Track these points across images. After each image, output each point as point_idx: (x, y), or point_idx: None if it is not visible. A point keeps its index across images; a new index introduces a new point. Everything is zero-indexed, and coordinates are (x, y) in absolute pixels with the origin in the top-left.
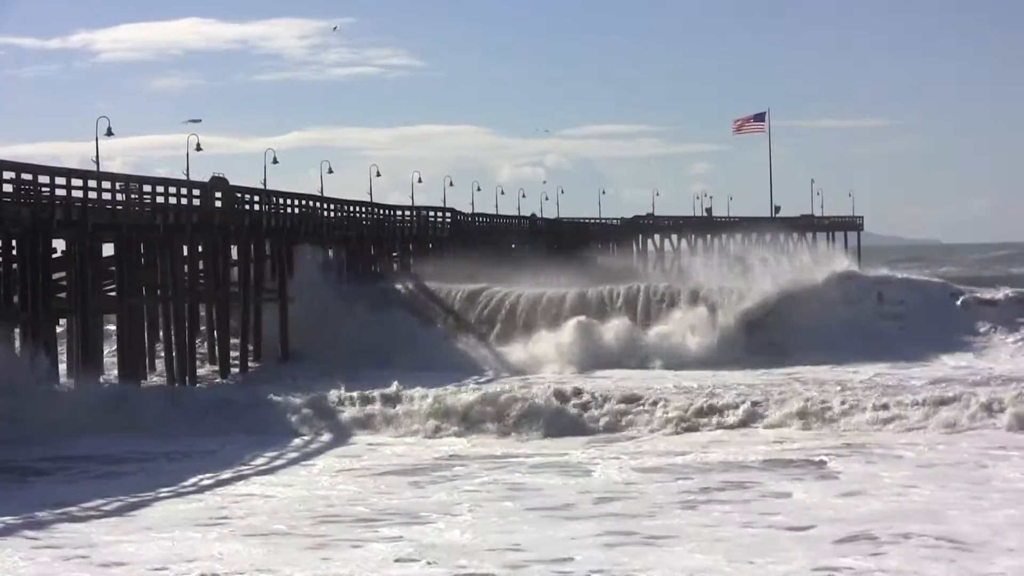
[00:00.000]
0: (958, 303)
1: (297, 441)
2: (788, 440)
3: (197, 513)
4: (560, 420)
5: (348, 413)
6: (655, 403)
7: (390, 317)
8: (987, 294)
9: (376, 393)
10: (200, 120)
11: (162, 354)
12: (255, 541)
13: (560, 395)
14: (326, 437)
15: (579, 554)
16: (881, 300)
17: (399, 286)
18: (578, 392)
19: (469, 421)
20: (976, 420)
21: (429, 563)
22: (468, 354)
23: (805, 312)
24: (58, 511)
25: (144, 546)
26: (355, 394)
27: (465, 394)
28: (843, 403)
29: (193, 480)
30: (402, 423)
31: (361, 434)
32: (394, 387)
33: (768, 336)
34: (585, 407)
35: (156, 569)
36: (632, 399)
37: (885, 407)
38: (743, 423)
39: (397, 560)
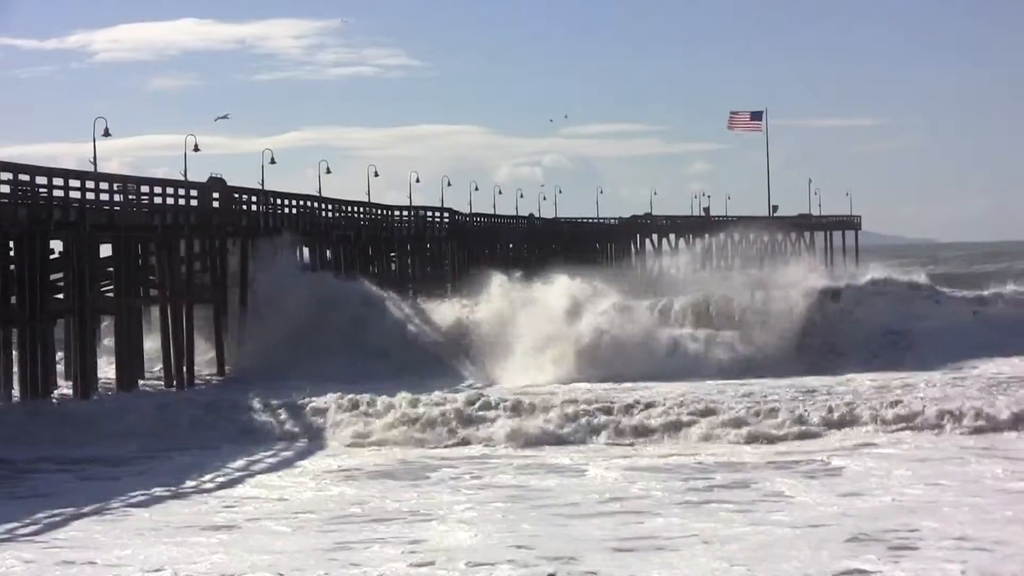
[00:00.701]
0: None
1: (281, 444)
2: (777, 442)
3: (197, 515)
4: (534, 426)
5: (325, 417)
6: (634, 409)
7: (368, 320)
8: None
9: (346, 399)
10: (228, 116)
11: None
12: (260, 543)
13: (531, 402)
14: (308, 441)
15: (587, 555)
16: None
17: (381, 290)
18: (550, 398)
19: (441, 427)
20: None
21: (440, 566)
22: (447, 361)
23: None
24: (57, 512)
25: (145, 549)
26: (332, 399)
27: (437, 400)
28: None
29: (192, 482)
30: (378, 429)
31: (339, 438)
32: (368, 395)
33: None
34: (557, 414)
35: (157, 571)
36: (608, 405)
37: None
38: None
39: (411, 565)
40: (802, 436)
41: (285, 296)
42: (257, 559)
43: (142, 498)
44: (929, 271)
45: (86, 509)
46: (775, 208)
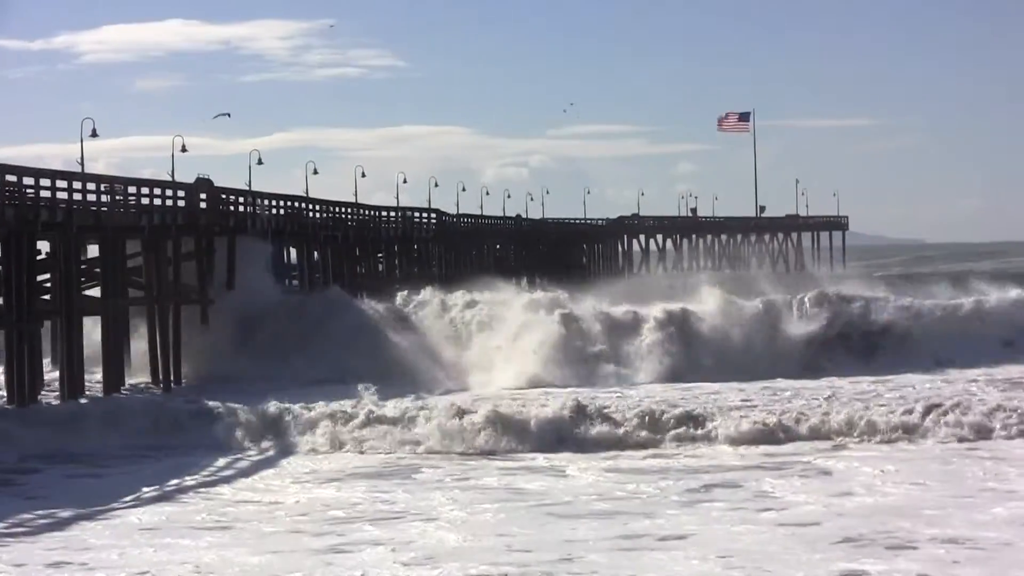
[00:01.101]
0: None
1: (263, 446)
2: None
3: (187, 517)
4: (501, 433)
5: (304, 421)
6: (608, 411)
7: (343, 325)
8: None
9: (322, 404)
10: (229, 114)
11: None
12: (252, 545)
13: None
14: (288, 444)
15: (582, 555)
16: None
17: (356, 294)
18: (519, 403)
19: (412, 431)
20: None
21: (436, 566)
22: (420, 365)
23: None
24: (46, 514)
25: (136, 550)
26: (307, 407)
27: (411, 405)
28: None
29: (180, 484)
30: (352, 434)
31: (317, 442)
32: (344, 401)
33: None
34: (527, 417)
35: (150, 573)
36: (580, 408)
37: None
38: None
39: (407, 565)
40: (787, 439)
41: (262, 299)
42: (249, 560)
43: (131, 500)
44: (907, 272)
45: (75, 511)
46: (762, 209)
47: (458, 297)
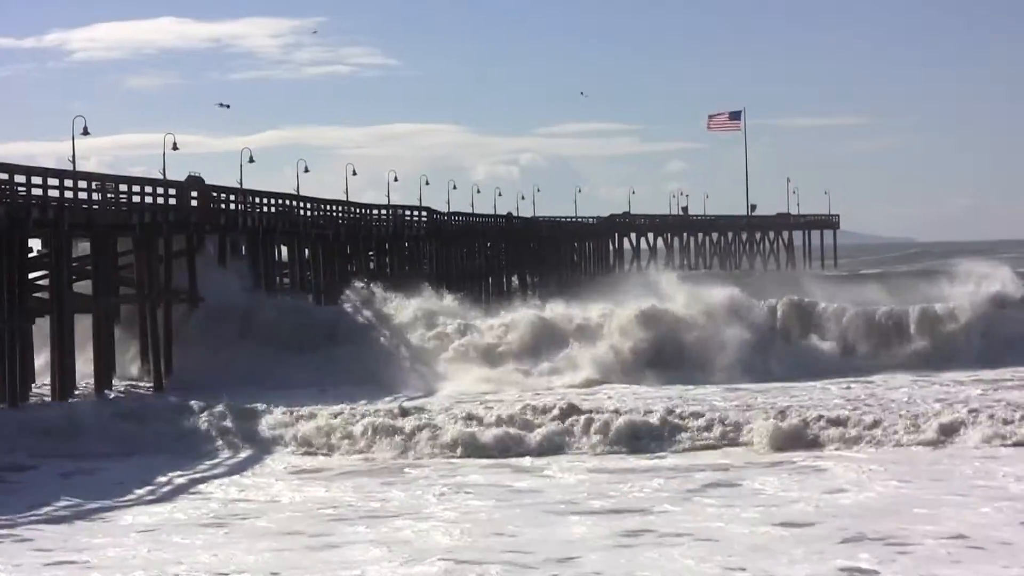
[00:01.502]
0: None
1: (251, 445)
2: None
3: (182, 515)
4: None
5: (285, 423)
6: (580, 410)
7: (319, 328)
8: None
9: (300, 409)
10: (228, 106)
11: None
12: (247, 543)
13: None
14: (272, 444)
15: (581, 552)
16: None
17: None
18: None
19: (388, 437)
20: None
21: (432, 564)
22: (395, 368)
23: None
24: (42, 513)
25: (133, 549)
26: (290, 408)
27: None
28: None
29: (172, 483)
30: (328, 437)
31: (299, 443)
32: (321, 406)
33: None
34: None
35: (148, 570)
36: (561, 409)
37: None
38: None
39: (402, 563)
40: (772, 440)
41: (245, 300)
42: (245, 559)
43: (125, 498)
44: (896, 271)
45: (70, 510)
46: (754, 207)
47: (410, 308)
